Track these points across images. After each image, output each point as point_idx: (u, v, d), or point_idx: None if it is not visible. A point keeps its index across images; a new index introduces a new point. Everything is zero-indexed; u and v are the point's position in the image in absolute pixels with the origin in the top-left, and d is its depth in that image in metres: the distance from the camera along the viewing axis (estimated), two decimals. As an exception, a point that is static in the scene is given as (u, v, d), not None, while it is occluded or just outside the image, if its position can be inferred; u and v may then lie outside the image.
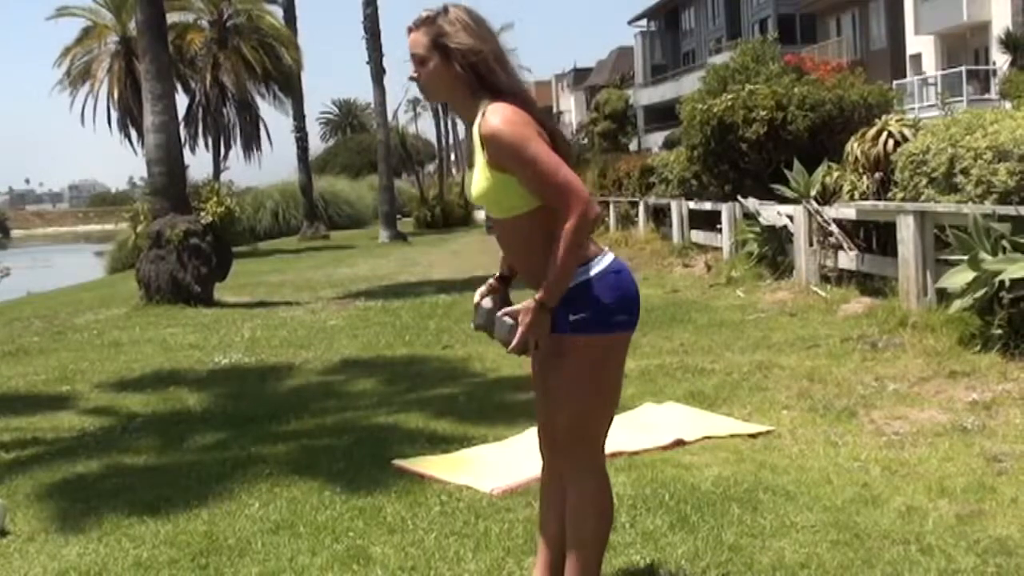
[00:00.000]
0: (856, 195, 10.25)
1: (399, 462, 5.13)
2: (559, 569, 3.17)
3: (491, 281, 3.21)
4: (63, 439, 6.27)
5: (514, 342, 2.96)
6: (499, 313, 3.02)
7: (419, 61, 2.98)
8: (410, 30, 2.99)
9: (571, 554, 3.07)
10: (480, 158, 2.95)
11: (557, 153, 2.93)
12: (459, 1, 3.02)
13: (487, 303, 3.14)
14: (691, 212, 16.52)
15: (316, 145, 69.47)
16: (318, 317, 11.84)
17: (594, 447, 3.09)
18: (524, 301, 2.97)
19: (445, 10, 2.97)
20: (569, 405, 3.01)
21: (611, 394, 3.10)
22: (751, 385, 6.56)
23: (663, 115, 52.70)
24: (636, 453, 5.03)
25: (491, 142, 2.87)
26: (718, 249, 14.57)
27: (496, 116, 2.86)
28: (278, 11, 34.70)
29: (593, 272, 2.96)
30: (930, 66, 38.17)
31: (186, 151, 23.50)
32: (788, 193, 11.31)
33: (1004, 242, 6.82)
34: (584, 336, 2.94)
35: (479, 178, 2.97)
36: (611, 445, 5.07)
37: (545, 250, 2.89)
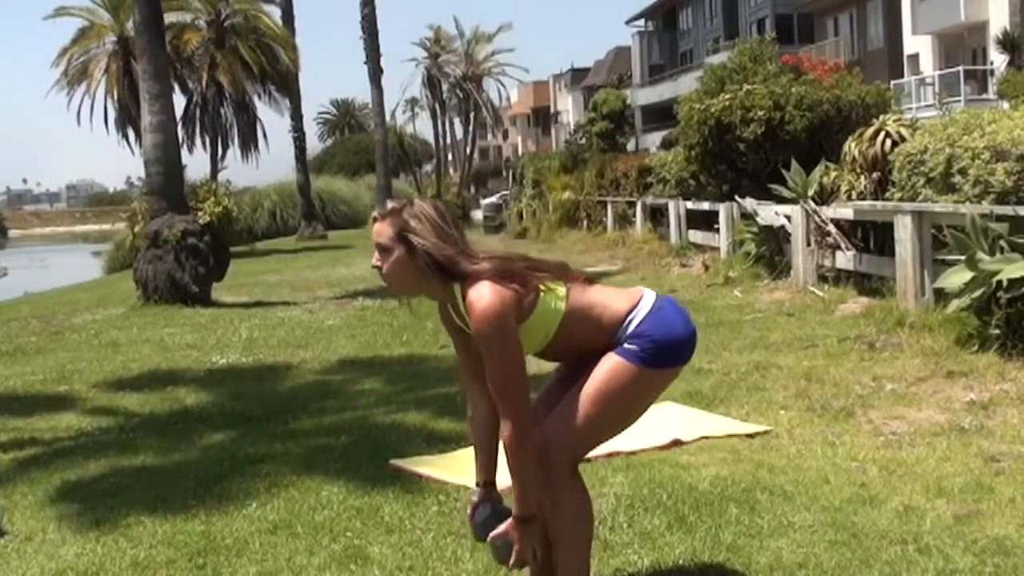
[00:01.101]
0: (854, 195, 10.26)
1: (397, 462, 5.13)
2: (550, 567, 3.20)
3: (475, 493, 3.27)
4: (61, 439, 6.26)
5: (512, 562, 3.01)
6: (489, 538, 3.06)
7: (383, 250, 3.01)
8: (374, 220, 3.04)
9: (559, 557, 3.08)
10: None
11: (538, 273, 3.00)
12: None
13: (479, 515, 3.18)
14: (689, 212, 16.53)
15: (314, 145, 69.61)
16: (316, 317, 11.84)
17: (574, 456, 3.12)
18: (507, 520, 2.99)
19: (411, 203, 3.02)
20: (581, 417, 3.04)
21: (622, 422, 3.15)
22: (749, 385, 6.56)
23: (661, 115, 52.69)
24: (633, 453, 5.03)
25: (473, 324, 2.91)
26: (716, 249, 14.57)
27: (479, 301, 2.87)
28: (276, 11, 34.73)
29: (637, 320, 3.04)
30: (928, 66, 38.17)
31: (184, 151, 23.61)
32: (786, 193, 11.32)
33: (1002, 242, 6.82)
34: (629, 362, 3.02)
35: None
36: (608, 445, 5.09)
37: (596, 332, 3.04)
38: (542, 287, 2.99)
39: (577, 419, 3.04)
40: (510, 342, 2.89)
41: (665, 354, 3.05)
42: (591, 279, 3.19)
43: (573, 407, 3.05)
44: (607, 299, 3.09)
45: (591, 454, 4.97)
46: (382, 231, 2.99)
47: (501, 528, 3.01)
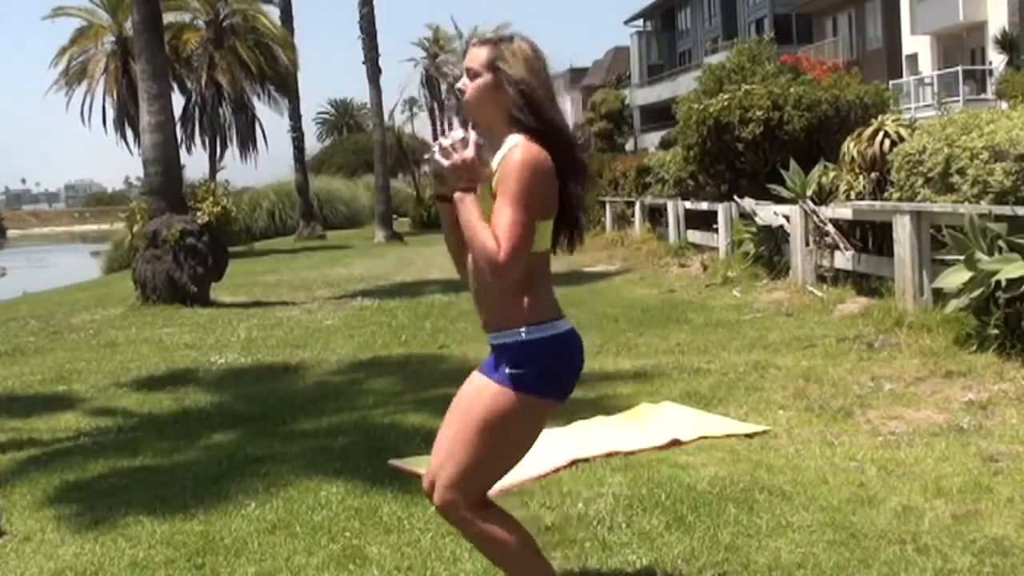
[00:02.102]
0: (852, 195, 10.26)
1: (395, 462, 5.13)
2: None
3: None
4: (59, 439, 6.26)
5: (447, 163, 2.94)
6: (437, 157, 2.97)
7: (471, 75, 3.00)
8: (473, 45, 3.03)
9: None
10: (486, 185, 2.94)
11: (569, 195, 2.97)
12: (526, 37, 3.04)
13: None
14: (687, 212, 16.53)
15: (312, 145, 69.54)
16: (314, 317, 11.83)
17: (471, 493, 3.00)
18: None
19: (511, 39, 3.01)
20: (475, 448, 2.95)
21: (513, 458, 3.05)
22: (747, 385, 6.56)
23: (659, 115, 52.71)
24: (632, 453, 5.03)
25: (503, 170, 2.86)
26: (714, 249, 14.57)
27: (522, 153, 2.85)
28: (274, 11, 34.72)
29: (544, 335, 2.93)
30: (926, 66, 38.19)
31: (182, 151, 23.62)
32: (784, 193, 11.32)
33: (1000, 242, 6.82)
34: (515, 391, 2.91)
35: (480, 196, 2.96)
36: (607, 444, 5.12)
37: (510, 300, 2.91)
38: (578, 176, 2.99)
39: (463, 459, 2.96)
40: (533, 199, 2.84)
41: (550, 384, 2.95)
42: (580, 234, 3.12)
43: (456, 447, 2.98)
44: (548, 288, 3.01)
45: (587, 454, 5.00)
46: (476, 56, 2.99)
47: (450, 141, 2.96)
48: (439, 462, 3.04)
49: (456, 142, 2.94)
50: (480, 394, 2.97)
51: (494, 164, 2.93)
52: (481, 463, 2.96)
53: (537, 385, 2.92)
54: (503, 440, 2.96)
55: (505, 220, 2.82)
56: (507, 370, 2.92)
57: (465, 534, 3.05)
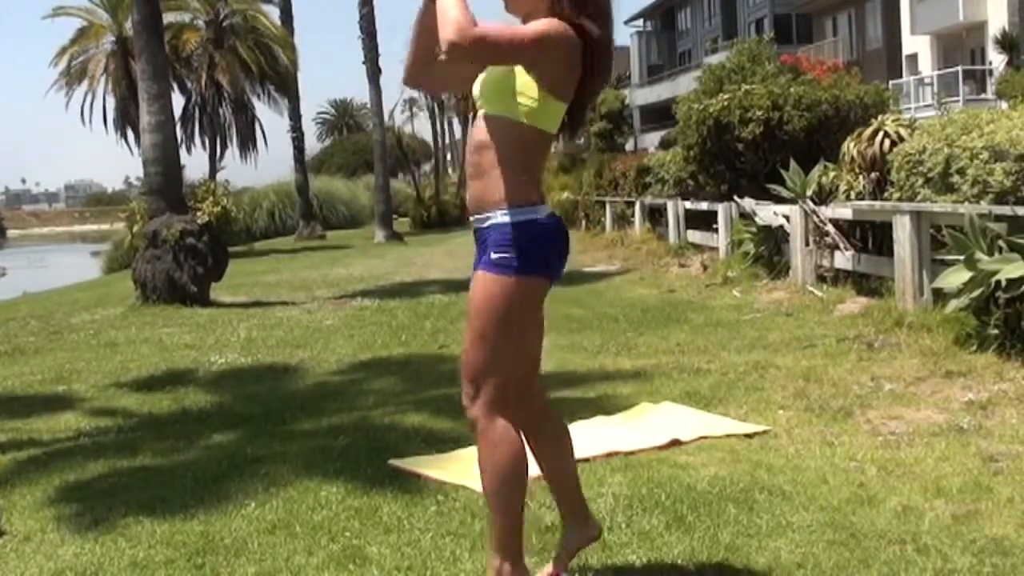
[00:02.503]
0: (852, 195, 10.27)
1: (395, 462, 5.13)
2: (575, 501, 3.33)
3: None
4: (59, 439, 6.26)
5: None
6: None
7: None
8: None
9: (490, 514, 3.10)
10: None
11: (584, 91, 3.03)
12: None
13: None
14: (687, 212, 16.54)
15: (312, 145, 69.69)
16: (314, 317, 11.83)
17: (497, 388, 3.06)
18: None
19: None
20: (483, 343, 3.03)
21: (524, 338, 3.11)
22: (747, 385, 6.56)
23: (659, 115, 52.75)
24: (632, 453, 5.03)
25: (533, 22, 2.94)
26: (714, 249, 14.58)
27: (552, 23, 2.92)
28: (274, 11, 34.75)
29: (524, 218, 3.00)
30: (926, 66, 38.22)
31: (182, 151, 23.66)
32: (784, 193, 11.32)
33: (1000, 242, 6.83)
34: (503, 276, 2.98)
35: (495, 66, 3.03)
36: (607, 444, 5.11)
37: (499, 176, 2.98)
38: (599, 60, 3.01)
39: (476, 351, 3.04)
40: (540, 46, 2.90)
41: (534, 260, 3.00)
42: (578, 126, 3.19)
43: (470, 343, 3.07)
44: (537, 174, 3.06)
45: (587, 454, 5.00)
46: None
47: None
48: (463, 365, 3.11)
49: None
50: (473, 288, 3.05)
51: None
52: (494, 354, 3.03)
53: (522, 265, 2.97)
54: (507, 324, 3.01)
55: (503, 27, 2.90)
56: (491, 255, 2.99)
57: (477, 438, 3.07)
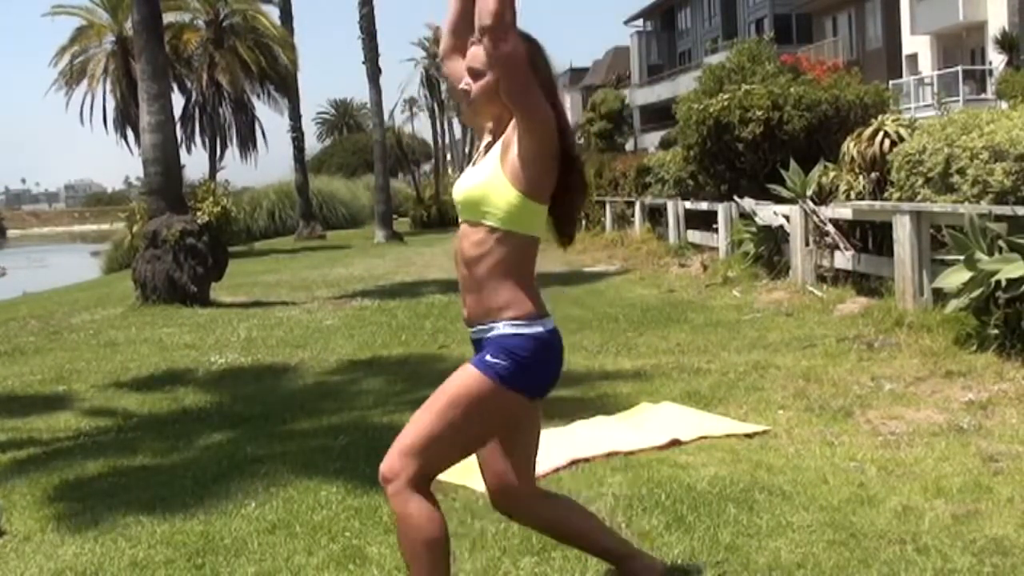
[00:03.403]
0: (852, 195, 10.27)
1: (395, 462, 5.12)
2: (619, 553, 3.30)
3: None
4: (59, 439, 6.26)
5: None
6: None
7: (474, 74, 2.98)
8: (471, 44, 2.99)
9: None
10: (492, 158, 2.97)
11: (563, 200, 3.02)
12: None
13: None
14: (687, 212, 16.54)
15: (312, 145, 69.69)
16: (314, 317, 11.83)
17: (425, 471, 3.00)
18: None
19: None
20: (434, 423, 2.99)
21: (476, 442, 3.08)
22: (747, 385, 6.56)
23: (659, 115, 52.73)
24: (632, 453, 5.03)
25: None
26: (714, 249, 14.57)
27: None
28: (274, 11, 34.73)
29: (528, 331, 2.95)
30: (926, 66, 38.19)
31: (182, 151, 23.62)
32: (784, 193, 11.32)
33: (1000, 242, 6.82)
34: (489, 378, 2.94)
35: (481, 172, 3.00)
36: (607, 444, 5.12)
37: (496, 287, 2.94)
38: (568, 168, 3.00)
39: (425, 431, 2.99)
40: (543, 123, 2.90)
41: (526, 377, 2.96)
42: (570, 234, 3.17)
43: (421, 419, 3.04)
44: (531, 284, 3.02)
45: (587, 454, 5.00)
46: (477, 55, 2.96)
47: None
48: (403, 432, 3.07)
49: None
50: (458, 373, 3.03)
51: (502, 138, 2.97)
52: (440, 437, 2.98)
53: (512, 378, 2.93)
54: (466, 421, 2.97)
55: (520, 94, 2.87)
56: (487, 357, 2.95)
57: (394, 509, 3.00)
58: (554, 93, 3.01)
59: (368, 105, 36.73)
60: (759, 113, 13.25)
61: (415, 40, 52.87)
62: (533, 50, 2.97)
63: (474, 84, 2.99)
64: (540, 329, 2.97)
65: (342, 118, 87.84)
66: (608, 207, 22.26)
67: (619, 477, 4.64)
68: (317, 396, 7.17)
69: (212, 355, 9.20)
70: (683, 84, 41.15)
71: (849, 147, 10.62)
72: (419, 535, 2.95)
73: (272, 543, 4.08)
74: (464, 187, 3.02)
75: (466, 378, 2.98)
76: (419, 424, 3.03)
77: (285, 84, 34.80)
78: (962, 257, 6.96)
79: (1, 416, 7.01)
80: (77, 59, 33.47)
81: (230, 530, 4.26)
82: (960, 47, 37.43)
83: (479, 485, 4.60)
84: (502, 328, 2.96)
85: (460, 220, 3.07)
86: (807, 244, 10.66)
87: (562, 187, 3.01)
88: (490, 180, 2.95)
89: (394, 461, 2.99)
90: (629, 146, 54.26)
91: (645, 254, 17.05)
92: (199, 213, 14.36)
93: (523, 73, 2.85)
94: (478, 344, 3.05)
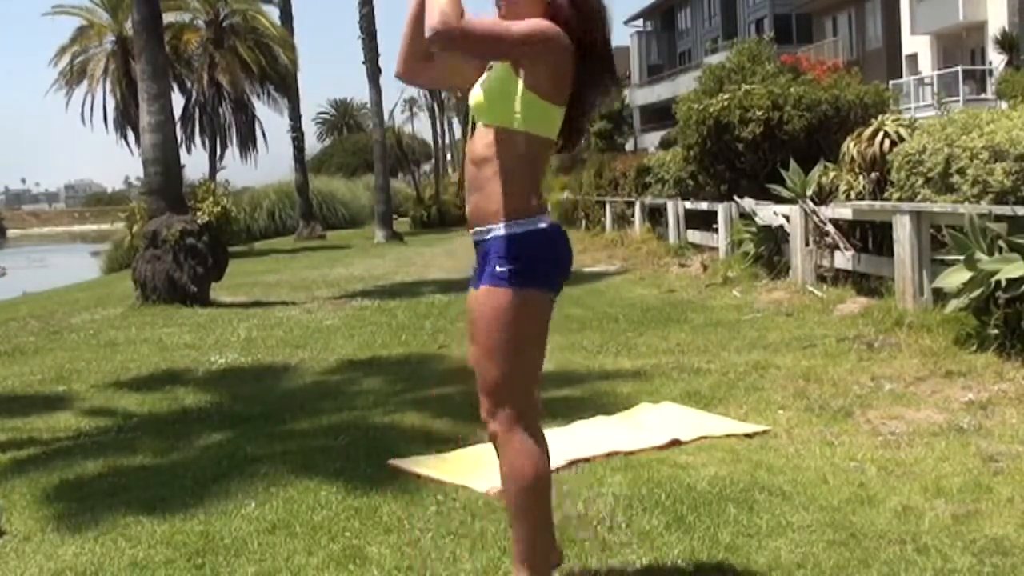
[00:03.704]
0: (852, 195, 10.27)
1: (395, 462, 5.13)
2: None
3: None
4: (59, 439, 6.26)
5: None
6: None
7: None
8: None
9: (514, 525, 3.06)
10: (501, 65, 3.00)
11: (581, 98, 3.02)
12: None
13: None
14: (687, 212, 16.53)
15: (312, 145, 69.73)
16: (314, 317, 11.83)
17: (515, 403, 3.05)
18: None
19: None
20: (493, 358, 3.03)
21: (533, 349, 3.10)
22: (747, 385, 6.56)
23: (659, 115, 52.78)
24: (632, 453, 5.03)
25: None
26: (714, 249, 14.57)
27: (534, 21, 2.92)
28: (274, 11, 34.75)
29: (527, 229, 3.00)
30: (926, 66, 38.21)
31: (182, 151, 23.67)
32: (784, 193, 11.32)
33: (1000, 242, 6.83)
34: (507, 288, 2.97)
35: (496, 74, 3.02)
36: (607, 444, 5.11)
37: (500, 187, 2.98)
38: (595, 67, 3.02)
39: (490, 370, 3.02)
40: (541, 37, 2.90)
41: (537, 274, 3.00)
42: (577, 139, 3.17)
43: (481, 360, 3.06)
44: (536, 184, 3.05)
45: (587, 454, 5.00)
46: None
47: None
48: (478, 379, 3.10)
49: None
50: (480, 303, 3.03)
51: None
52: (507, 368, 3.02)
53: (525, 278, 2.97)
54: (515, 337, 3.01)
55: (491, 21, 2.90)
56: (495, 268, 2.98)
57: (499, 452, 3.05)
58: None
59: (368, 105, 36.75)
60: (759, 113, 13.25)
61: (415, 40, 52.83)
62: None
63: (505, 4, 3.02)
64: (539, 225, 3.01)
65: (342, 118, 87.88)
66: (608, 207, 22.26)
67: (619, 477, 4.64)
68: (317, 396, 7.17)
69: (212, 355, 9.20)
70: (683, 84, 41.18)
71: (849, 147, 10.62)
72: (523, 472, 3.01)
73: (272, 543, 4.08)
74: (479, 90, 3.04)
75: (490, 301, 3.00)
76: (482, 368, 3.07)
77: (285, 84, 34.82)
78: (962, 257, 6.96)
79: (1, 416, 7.01)
80: (77, 59, 33.50)
81: (230, 530, 4.26)
82: (960, 47, 37.45)
83: (479, 485, 4.61)
84: (500, 230, 3.00)
85: (475, 122, 3.10)
86: (807, 244, 10.66)
87: (579, 81, 3.02)
88: (505, 81, 2.97)
89: (486, 407, 3.06)
90: (629, 146, 54.28)
91: (645, 254, 17.05)
92: (199, 213, 14.36)
93: (477, 43, 2.87)
94: (479, 248, 3.08)
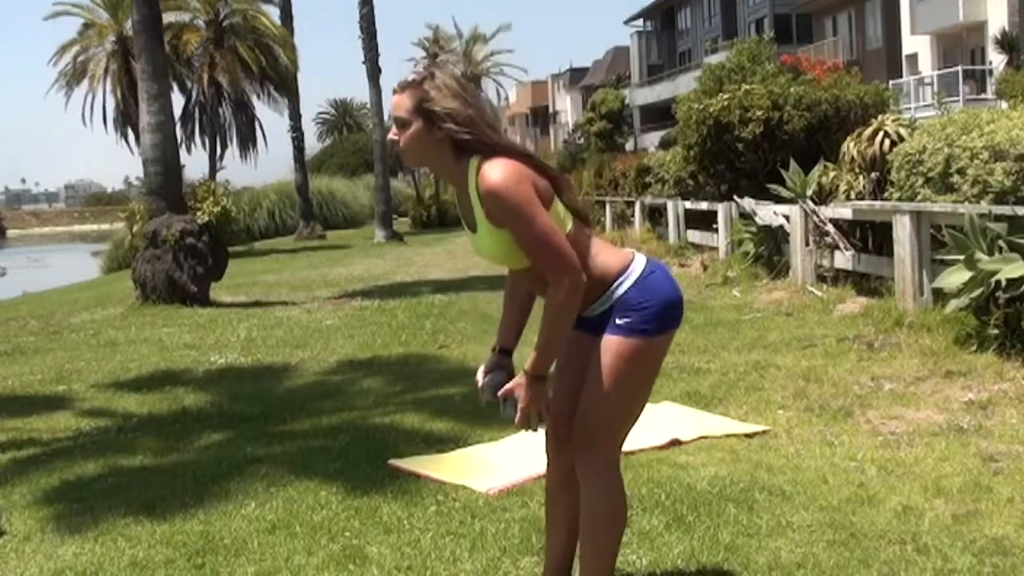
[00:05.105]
0: (852, 195, 10.26)
1: (395, 462, 5.13)
2: (567, 570, 3.20)
3: (491, 355, 3.21)
4: (59, 439, 6.26)
5: (517, 420, 2.99)
6: (499, 394, 3.04)
7: (400, 124, 2.93)
8: (394, 92, 2.96)
9: (586, 558, 3.07)
10: (480, 214, 2.92)
11: (562, 200, 2.96)
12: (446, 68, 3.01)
13: (490, 380, 3.14)
14: (687, 212, 16.54)
15: (312, 145, 69.66)
16: (314, 317, 11.83)
17: (614, 447, 3.10)
18: (517, 376, 3.00)
19: (432, 75, 2.93)
20: (604, 404, 3.01)
21: (644, 396, 3.13)
22: (747, 385, 6.56)
23: (659, 115, 52.76)
24: (632, 453, 5.02)
25: (489, 199, 2.83)
26: (714, 249, 14.58)
27: (496, 171, 2.82)
28: (274, 11, 34.74)
29: (633, 279, 3.00)
30: (926, 66, 38.20)
31: (182, 151, 23.65)
32: (784, 193, 11.32)
33: (1000, 242, 6.82)
34: (639, 340, 2.98)
35: (485, 236, 2.96)
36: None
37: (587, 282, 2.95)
38: (554, 186, 2.95)
39: (599, 414, 3.02)
40: (534, 205, 2.83)
41: (661, 319, 3.01)
42: (588, 215, 3.12)
43: (590, 404, 3.03)
44: (602, 250, 3.04)
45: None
46: (400, 104, 2.91)
47: (510, 384, 3.00)
48: (580, 416, 3.07)
49: (505, 392, 3.01)
50: (606, 351, 3.00)
51: (471, 192, 2.91)
52: (617, 415, 3.05)
53: (653, 325, 2.99)
54: (636, 384, 3.04)
55: (532, 243, 2.85)
56: (616, 321, 2.98)
57: (594, 491, 3.05)
58: (494, 126, 2.95)
59: (368, 105, 36.72)
60: (759, 113, 13.25)
61: (415, 40, 52.97)
62: (458, 88, 2.92)
63: (401, 134, 2.94)
64: (640, 270, 3.02)
65: (342, 118, 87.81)
66: (608, 207, 22.27)
67: (619, 477, 4.63)
68: (317, 396, 7.17)
69: (212, 355, 9.20)
70: (683, 84, 41.20)
71: (849, 147, 10.62)
72: (614, 515, 3.05)
73: (272, 543, 4.08)
74: (486, 253, 3.02)
75: (617, 349, 2.99)
76: (589, 407, 3.04)
77: (285, 84, 34.80)
78: (962, 257, 6.95)
79: (1, 416, 7.01)
80: (78, 59, 33.51)
81: (230, 530, 4.26)
82: (960, 47, 37.43)
83: (479, 485, 4.61)
84: (618, 292, 2.99)
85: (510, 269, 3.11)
86: (807, 244, 10.66)
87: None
88: (498, 238, 2.92)
89: (583, 447, 3.05)
90: (629, 146, 54.26)
91: (645, 254, 17.01)
92: (199, 213, 14.36)
93: (559, 248, 2.85)
94: (599, 319, 3.04)
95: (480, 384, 3.16)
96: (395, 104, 2.94)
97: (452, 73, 2.98)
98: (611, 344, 2.99)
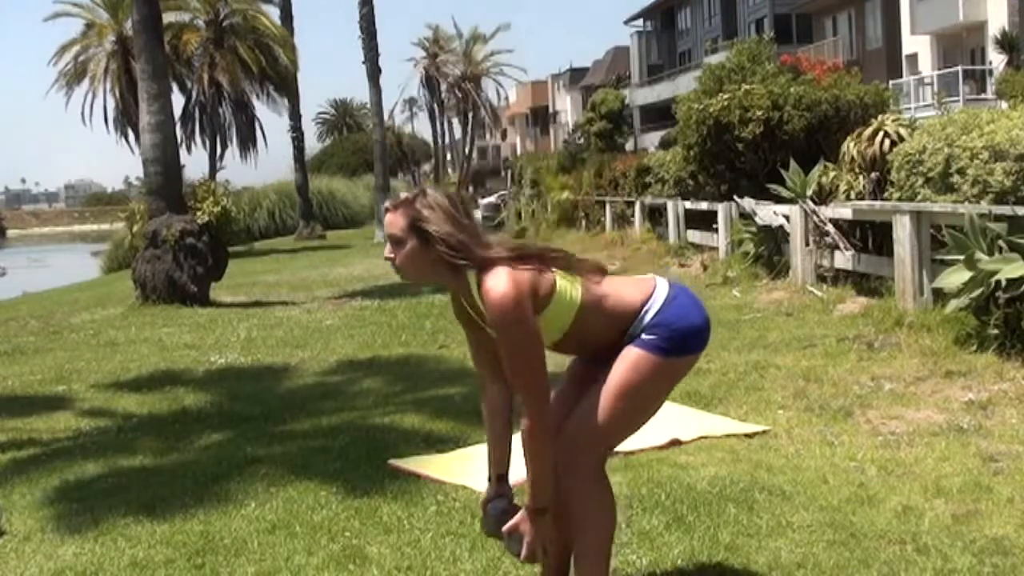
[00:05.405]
0: (852, 195, 10.26)
1: (395, 462, 5.13)
2: (567, 570, 3.21)
3: (489, 485, 3.24)
4: (59, 439, 6.26)
5: (524, 555, 3.02)
6: (503, 530, 3.05)
7: (395, 242, 2.97)
8: (386, 210, 3.00)
9: (581, 558, 3.08)
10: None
11: (571, 274, 3.01)
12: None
13: (493, 509, 3.16)
14: (687, 212, 16.52)
15: (312, 145, 69.64)
16: (314, 317, 11.84)
17: (607, 451, 3.15)
18: (520, 512, 3.02)
19: (423, 192, 2.98)
20: (610, 410, 3.03)
21: (651, 412, 3.15)
22: (747, 385, 6.56)
23: (659, 115, 52.72)
24: (632, 453, 5.02)
25: (489, 310, 2.88)
26: (714, 249, 14.57)
27: (496, 287, 2.85)
28: (274, 11, 34.75)
29: (652, 312, 3.04)
30: (926, 66, 38.18)
31: (182, 151, 23.60)
32: (784, 193, 11.31)
33: (1000, 242, 6.82)
34: (649, 354, 3.01)
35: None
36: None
37: (611, 323, 3.04)
38: (558, 275, 2.98)
39: (601, 415, 3.03)
40: (529, 329, 2.87)
41: (683, 342, 3.05)
42: (602, 268, 3.16)
43: (595, 404, 3.05)
44: (620, 290, 3.08)
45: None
46: (395, 222, 2.95)
47: (514, 521, 3.01)
48: (581, 419, 3.09)
49: (510, 529, 3.03)
50: (625, 360, 3.04)
51: (476, 298, 2.96)
52: (620, 426, 3.08)
53: (677, 346, 3.04)
54: (647, 399, 3.08)
55: (513, 365, 2.91)
56: (643, 336, 3.02)
57: (582, 495, 3.06)
58: (479, 239, 2.97)
59: (368, 105, 36.76)
60: (759, 113, 13.24)
61: (415, 40, 53.00)
62: (450, 207, 2.94)
63: (397, 252, 2.98)
64: (664, 297, 3.07)
65: (342, 118, 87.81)
66: (608, 207, 22.25)
67: (619, 477, 4.63)
68: (317, 396, 7.17)
69: (212, 355, 9.21)
70: (683, 84, 41.17)
71: (849, 147, 10.62)
72: (605, 524, 3.07)
73: (272, 543, 4.08)
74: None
75: (637, 362, 3.02)
76: (596, 419, 3.06)
77: (285, 84, 34.81)
78: (962, 257, 6.95)
79: (1, 416, 7.01)
80: (78, 59, 33.50)
81: (230, 530, 4.26)
82: (960, 47, 37.42)
83: (479, 485, 4.61)
84: (645, 320, 3.04)
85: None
86: (807, 244, 10.66)
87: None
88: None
89: (576, 454, 3.07)
90: (629, 146, 54.19)
91: (645, 254, 17.05)
92: (199, 213, 14.36)
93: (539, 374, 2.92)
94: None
95: (483, 515, 3.21)
96: (388, 222, 2.99)
97: (444, 191, 3.04)
98: (631, 355, 3.03)
